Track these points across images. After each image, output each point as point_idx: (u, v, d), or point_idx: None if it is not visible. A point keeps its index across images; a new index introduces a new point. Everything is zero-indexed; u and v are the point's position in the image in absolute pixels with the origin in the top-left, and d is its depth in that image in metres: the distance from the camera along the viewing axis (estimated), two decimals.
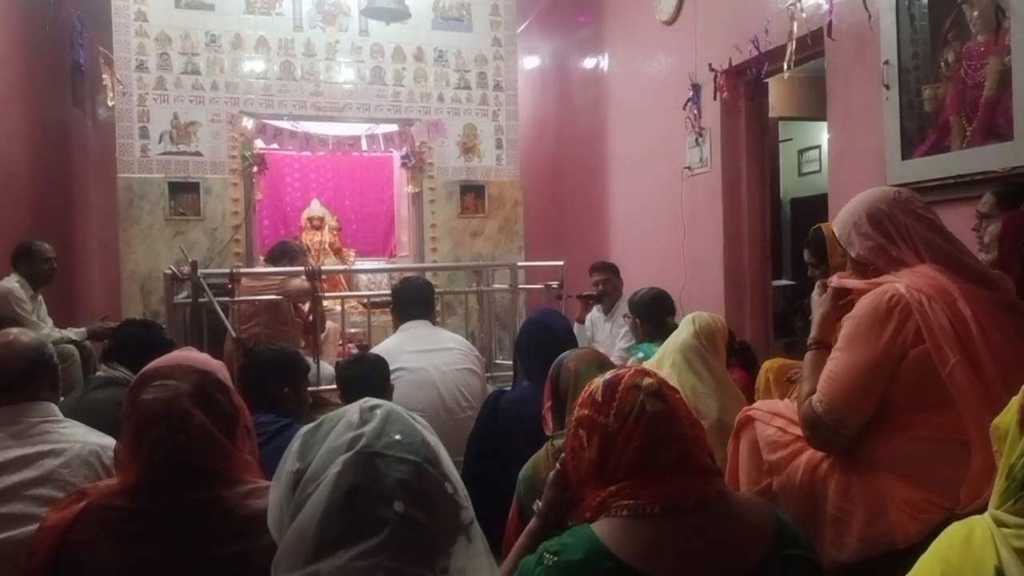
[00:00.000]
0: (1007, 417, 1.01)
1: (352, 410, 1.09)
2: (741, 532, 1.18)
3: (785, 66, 3.88)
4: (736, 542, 1.17)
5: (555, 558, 1.15)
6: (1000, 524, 0.95)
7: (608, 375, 1.27)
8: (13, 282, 4.20)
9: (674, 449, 1.18)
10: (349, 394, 2.72)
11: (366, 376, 2.75)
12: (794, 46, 3.81)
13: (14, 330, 2.00)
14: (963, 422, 1.54)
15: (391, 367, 2.99)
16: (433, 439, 1.10)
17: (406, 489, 1.01)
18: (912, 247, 1.72)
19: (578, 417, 1.26)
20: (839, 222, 1.85)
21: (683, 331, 2.66)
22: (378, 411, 1.08)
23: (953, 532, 1.01)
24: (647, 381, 1.23)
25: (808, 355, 1.84)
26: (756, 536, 1.18)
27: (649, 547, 1.13)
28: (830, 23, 3.66)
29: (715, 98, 4.69)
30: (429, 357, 3.15)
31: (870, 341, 1.63)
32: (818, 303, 1.91)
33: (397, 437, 1.05)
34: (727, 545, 1.16)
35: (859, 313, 1.68)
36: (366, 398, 1.13)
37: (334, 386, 3.73)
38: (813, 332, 1.87)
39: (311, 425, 1.09)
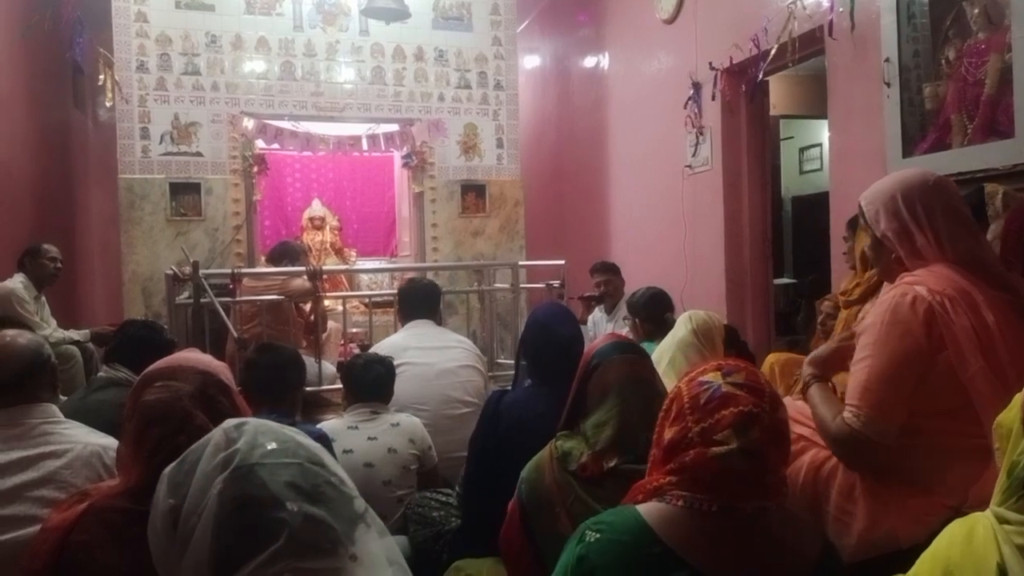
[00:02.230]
0: (1010, 415, 1.01)
1: (215, 435, 1.05)
2: (791, 547, 1.15)
3: (773, 62, 3.88)
4: (785, 556, 1.14)
5: (598, 535, 1.13)
6: (1002, 521, 0.95)
7: (730, 383, 1.14)
8: (17, 282, 4.21)
9: (741, 484, 1.12)
10: (360, 393, 2.73)
11: (383, 379, 2.77)
12: (796, 44, 3.81)
13: (11, 332, 1.98)
14: (978, 426, 1.50)
15: (395, 362, 3.02)
16: (308, 441, 1.07)
17: (295, 489, 0.99)
18: (936, 239, 1.68)
19: (679, 391, 1.19)
20: (869, 196, 1.80)
21: (680, 329, 2.67)
22: (245, 427, 1.05)
23: (954, 530, 1.01)
24: (754, 434, 1.10)
25: (813, 390, 1.79)
26: (804, 554, 1.16)
27: (701, 541, 1.10)
28: (831, 21, 3.66)
29: (715, 97, 4.69)
30: (433, 354, 3.18)
31: (897, 339, 1.59)
32: (833, 341, 1.88)
33: (272, 446, 1.02)
34: (776, 557, 1.13)
35: (878, 319, 1.63)
36: (228, 420, 1.10)
37: (335, 386, 3.76)
38: (815, 370, 1.83)
39: (172, 464, 1.06)
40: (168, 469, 1.06)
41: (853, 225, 3.06)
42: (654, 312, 3.49)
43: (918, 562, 1.05)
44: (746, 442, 1.10)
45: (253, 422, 1.07)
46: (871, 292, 2.77)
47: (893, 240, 1.73)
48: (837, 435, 1.64)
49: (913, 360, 1.58)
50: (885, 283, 1.85)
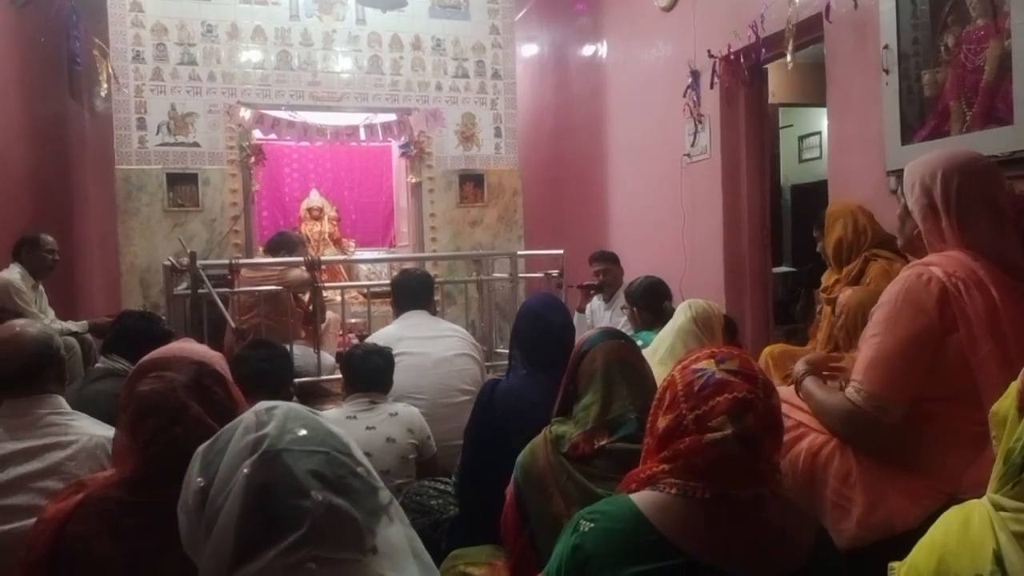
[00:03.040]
0: (1006, 403, 1.01)
1: (246, 417, 1.06)
2: (787, 534, 1.16)
3: (789, 56, 3.87)
4: (781, 543, 1.14)
5: (592, 524, 1.13)
6: (998, 508, 0.95)
7: (724, 370, 1.14)
8: (14, 273, 4.20)
9: (728, 483, 1.11)
10: (359, 383, 2.74)
11: (382, 369, 2.78)
12: (793, 32, 3.79)
13: (20, 322, 1.98)
14: (978, 411, 1.50)
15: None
16: (338, 430, 1.08)
17: (320, 479, 0.99)
18: (960, 226, 1.67)
19: (672, 379, 1.19)
20: (914, 166, 1.79)
21: (680, 317, 2.68)
22: (276, 411, 1.06)
23: (951, 517, 1.01)
24: (748, 421, 1.09)
25: (808, 381, 1.81)
26: (800, 541, 1.16)
27: (696, 529, 1.10)
28: (828, 7, 3.64)
29: (714, 85, 4.67)
30: (429, 344, 3.19)
31: (909, 319, 1.60)
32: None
33: (302, 432, 1.03)
34: (772, 544, 1.13)
35: (892, 297, 1.64)
36: (260, 402, 1.10)
37: (335, 376, 3.76)
38: (807, 367, 1.87)
39: (207, 443, 1.07)
40: (202, 447, 1.07)
41: (821, 225, 3.11)
42: (652, 301, 3.50)
43: (915, 549, 1.05)
44: (741, 428, 1.09)
45: (284, 406, 1.07)
46: (852, 284, 2.79)
47: (918, 216, 1.74)
48: (838, 410, 1.65)
49: (924, 340, 1.58)
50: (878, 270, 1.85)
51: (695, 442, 1.11)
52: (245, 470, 0.98)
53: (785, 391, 1.96)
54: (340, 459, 1.03)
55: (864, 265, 2.86)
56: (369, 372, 2.75)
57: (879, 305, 1.69)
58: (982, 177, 1.71)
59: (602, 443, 1.59)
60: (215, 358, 1.45)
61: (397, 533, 1.06)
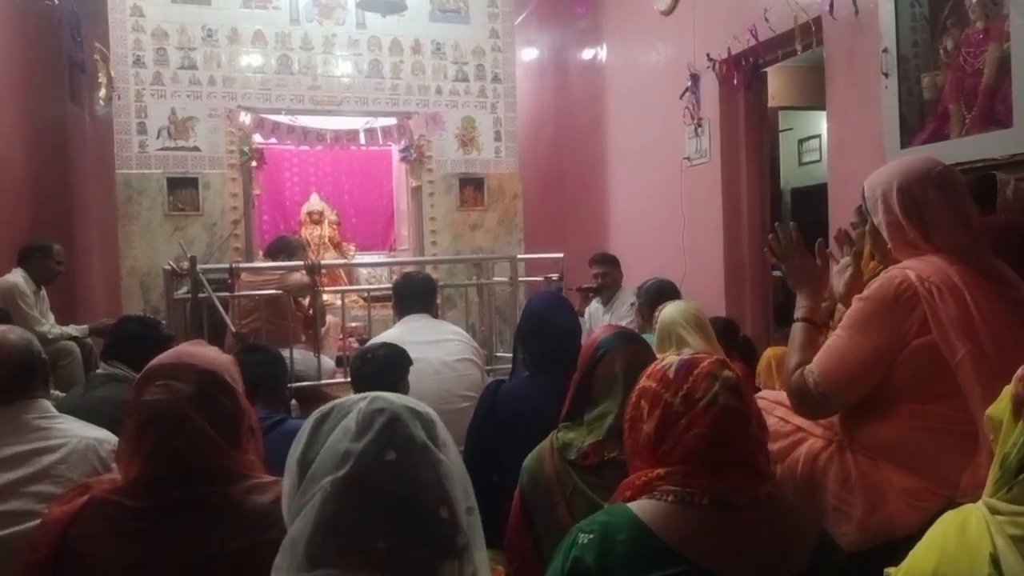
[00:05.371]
0: (1000, 406, 1.01)
1: (353, 413, 1.01)
2: (788, 537, 1.16)
3: (772, 51, 3.87)
4: (782, 546, 1.14)
5: (591, 535, 1.13)
6: (994, 512, 0.95)
7: (685, 355, 1.23)
8: (18, 276, 4.22)
9: (735, 448, 1.14)
10: (362, 389, 2.71)
11: (378, 374, 2.72)
12: (798, 32, 3.80)
13: (1, 327, 1.97)
14: (969, 413, 1.52)
15: None
16: (434, 455, 1.02)
17: (390, 523, 0.96)
18: (928, 233, 1.68)
19: (643, 388, 1.23)
20: (872, 182, 1.79)
21: (684, 335, 2.47)
22: (378, 422, 0.99)
23: (948, 521, 1.02)
24: (727, 373, 1.18)
25: (799, 328, 1.81)
26: (802, 542, 1.16)
27: (697, 536, 1.10)
28: (831, 6, 3.64)
29: (714, 88, 4.67)
30: (430, 348, 3.14)
31: (874, 328, 1.62)
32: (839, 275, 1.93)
33: (391, 457, 0.97)
34: (774, 547, 1.14)
35: (868, 296, 1.66)
36: (374, 396, 1.03)
37: (335, 380, 3.76)
38: (805, 312, 1.87)
39: (320, 413, 1.03)
40: (316, 415, 1.02)
41: (862, 213, 3.03)
42: (650, 306, 3.49)
43: (912, 553, 1.05)
44: (726, 380, 1.16)
45: (390, 415, 1.01)
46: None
47: (887, 233, 1.75)
48: (792, 384, 1.72)
49: (881, 352, 1.61)
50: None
51: (694, 416, 1.15)
52: (326, 489, 0.95)
53: (784, 397, 1.95)
54: (419, 500, 0.99)
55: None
56: (373, 378, 2.71)
57: (855, 300, 1.70)
58: (940, 181, 1.70)
59: (612, 455, 1.57)
60: (224, 364, 1.41)
61: None
